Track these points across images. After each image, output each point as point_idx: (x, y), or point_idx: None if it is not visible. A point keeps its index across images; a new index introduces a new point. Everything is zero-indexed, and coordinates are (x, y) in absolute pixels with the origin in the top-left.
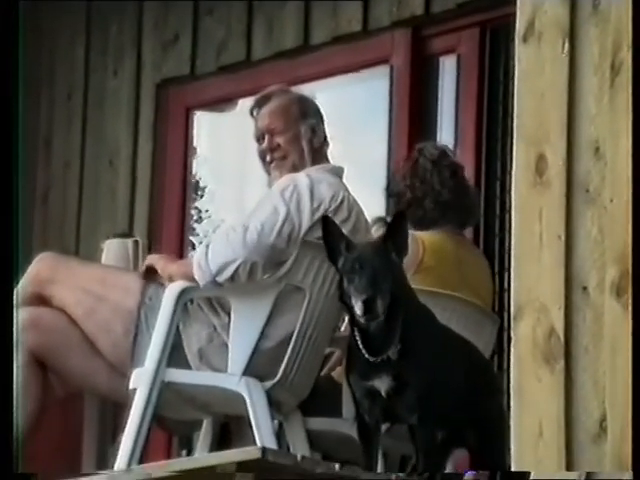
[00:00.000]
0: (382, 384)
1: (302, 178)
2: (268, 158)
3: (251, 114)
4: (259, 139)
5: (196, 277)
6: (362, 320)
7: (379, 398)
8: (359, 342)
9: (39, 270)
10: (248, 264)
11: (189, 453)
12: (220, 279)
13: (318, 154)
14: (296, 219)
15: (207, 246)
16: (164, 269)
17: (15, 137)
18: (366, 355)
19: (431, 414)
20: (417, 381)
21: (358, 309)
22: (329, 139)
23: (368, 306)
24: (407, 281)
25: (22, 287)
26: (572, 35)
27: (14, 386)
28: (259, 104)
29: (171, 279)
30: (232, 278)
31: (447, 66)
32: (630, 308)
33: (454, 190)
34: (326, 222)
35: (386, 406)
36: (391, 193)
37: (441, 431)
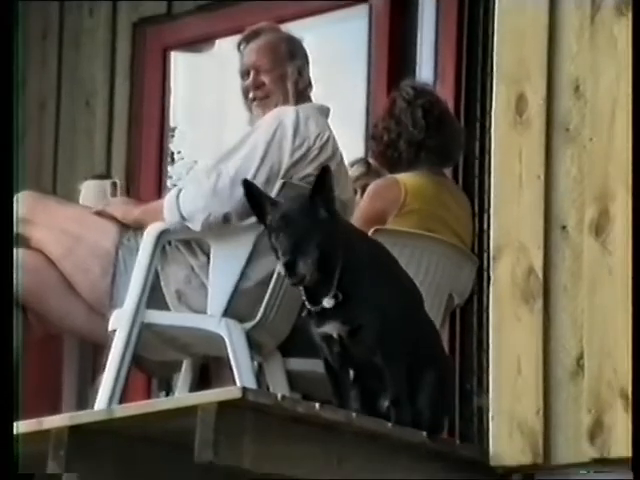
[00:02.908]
0: (332, 329)
1: (290, 114)
2: (251, 95)
3: (238, 49)
4: (244, 75)
5: (166, 221)
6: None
7: (334, 342)
8: (302, 292)
9: (24, 205)
10: (220, 215)
11: (167, 395)
12: (192, 226)
13: (302, 96)
14: (276, 159)
15: (180, 190)
16: (125, 216)
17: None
18: (308, 305)
19: (393, 349)
20: (369, 322)
21: (282, 271)
22: (313, 81)
23: (290, 269)
24: (345, 229)
25: None
26: None
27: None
28: (247, 39)
29: (137, 224)
30: (202, 226)
31: (427, 5)
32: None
33: (427, 130)
34: (247, 185)
35: (344, 350)
36: (372, 136)
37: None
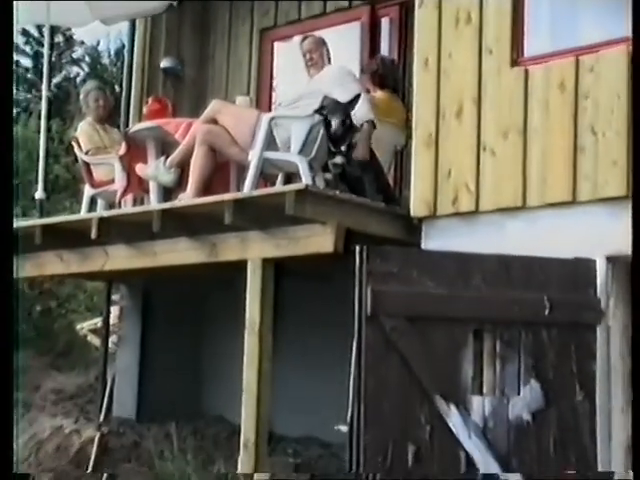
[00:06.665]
0: (340, 160)
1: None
2: (309, 64)
3: (300, 43)
4: (304, 55)
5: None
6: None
7: (339, 166)
8: (330, 143)
9: (214, 105)
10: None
11: None
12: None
13: (329, 61)
14: (328, 92)
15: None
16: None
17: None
18: (333, 149)
19: (370, 168)
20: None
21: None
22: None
23: (346, 125)
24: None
25: (205, 115)
26: None
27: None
28: (303, 39)
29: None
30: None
31: (384, 23)
32: None
33: (389, 72)
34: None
35: (344, 170)
36: (369, 72)
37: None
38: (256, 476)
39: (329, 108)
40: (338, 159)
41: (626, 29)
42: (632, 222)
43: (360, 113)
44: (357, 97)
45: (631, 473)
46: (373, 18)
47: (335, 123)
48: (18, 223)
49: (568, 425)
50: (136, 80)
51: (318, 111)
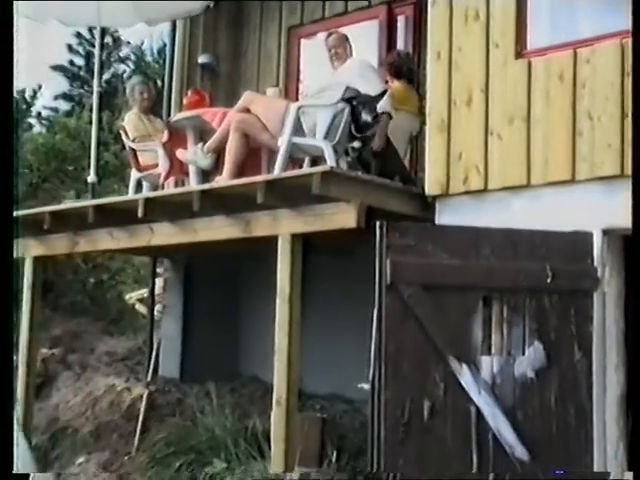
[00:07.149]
0: (357, 144)
1: (356, 58)
2: (334, 58)
3: (326, 39)
4: (329, 50)
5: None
6: (363, 116)
7: (356, 150)
8: (353, 129)
9: (246, 96)
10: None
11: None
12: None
13: (351, 55)
14: (350, 82)
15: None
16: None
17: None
18: (356, 134)
19: (386, 153)
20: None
21: (365, 114)
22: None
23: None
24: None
25: (238, 104)
26: None
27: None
28: (329, 35)
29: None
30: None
31: (400, 21)
32: None
33: (406, 64)
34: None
35: (360, 153)
36: (387, 64)
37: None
38: (288, 476)
39: (360, 99)
40: (356, 143)
41: (619, 24)
42: (632, 198)
43: (380, 104)
44: (384, 93)
45: (631, 474)
46: (390, 16)
47: (365, 114)
48: (73, 204)
49: (568, 381)
50: (176, 75)
51: (348, 100)
